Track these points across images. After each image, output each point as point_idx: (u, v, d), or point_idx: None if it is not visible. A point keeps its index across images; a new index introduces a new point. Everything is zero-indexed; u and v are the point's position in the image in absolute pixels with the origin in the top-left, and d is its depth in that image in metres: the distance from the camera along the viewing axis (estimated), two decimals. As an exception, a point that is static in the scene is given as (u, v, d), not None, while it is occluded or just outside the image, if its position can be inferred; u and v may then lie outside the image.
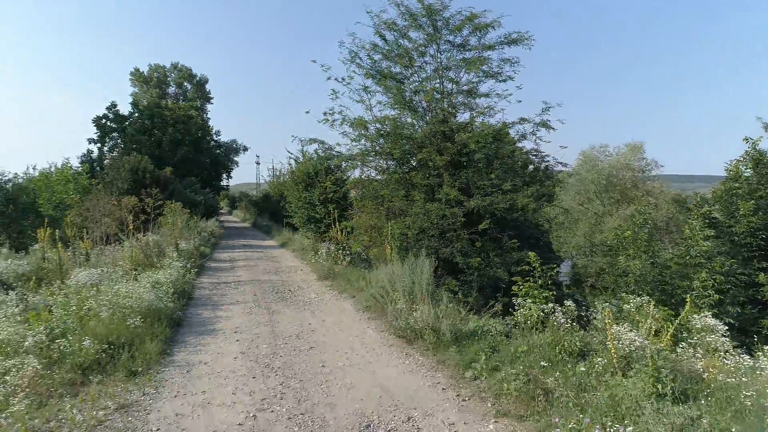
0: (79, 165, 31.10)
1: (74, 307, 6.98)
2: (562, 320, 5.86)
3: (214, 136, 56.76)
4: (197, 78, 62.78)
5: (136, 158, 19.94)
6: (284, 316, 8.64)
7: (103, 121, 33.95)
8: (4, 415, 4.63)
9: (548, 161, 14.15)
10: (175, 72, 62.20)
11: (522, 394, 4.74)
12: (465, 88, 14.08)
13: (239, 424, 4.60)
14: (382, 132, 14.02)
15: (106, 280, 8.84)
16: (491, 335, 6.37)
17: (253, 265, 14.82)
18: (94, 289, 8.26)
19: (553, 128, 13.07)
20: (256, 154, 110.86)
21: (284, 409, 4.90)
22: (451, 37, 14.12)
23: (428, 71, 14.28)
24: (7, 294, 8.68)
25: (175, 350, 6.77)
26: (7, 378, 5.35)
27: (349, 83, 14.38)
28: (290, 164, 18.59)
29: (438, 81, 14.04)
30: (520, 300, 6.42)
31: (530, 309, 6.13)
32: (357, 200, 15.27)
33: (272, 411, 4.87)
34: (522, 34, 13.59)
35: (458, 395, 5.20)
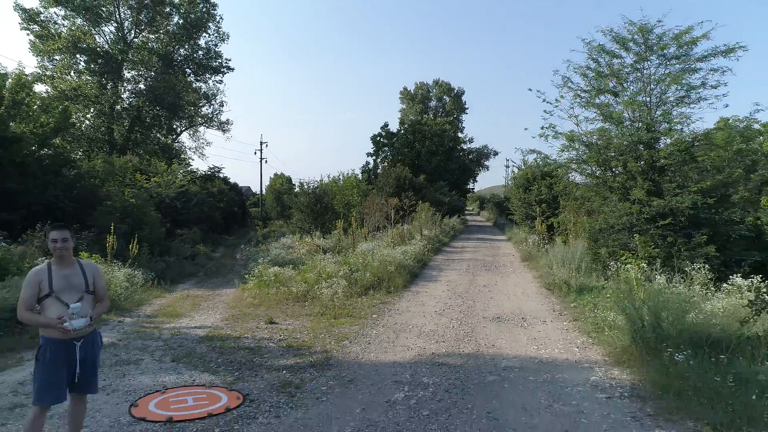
0: (360, 173, 40.81)
1: (360, 260, 12.56)
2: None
3: (468, 143, 63.76)
4: (455, 91, 70.46)
5: (399, 169, 26.51)
6: (482, 277, 12.97)
7: (378, 138, 42.85)
8: (335, 298, 10.12)
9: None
10: (436, 87, 70.88)
11: (587, 312, 8.17)
12: (672, 98, 16.09)
13: (435, 311, 9.18)
14: (587, 143, 17.01)
15: (377, 249, 14.47)
16: (603, 289, 9.59)
17: (477, 251, 19.39)
18: (371, 252, 13.90)
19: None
20: (506, 158, 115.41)
21: (458, 309, 9.32)
22: (663, 52, 16.27)
23: (635, 87, 16.70)
24: (325, 254, 15.02)
25: (411, 286, 11.78)
26: (332, 287, 10.96)
27: (557, 105, 17.74)
28: (513, 171, 22.43)
29: (643, 95, 16.39)
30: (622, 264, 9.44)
31: (628, 271, 9.17)
32: (563, 200, 18.42)
33: (451, 308, 9.35)
34: (731, 47, 14.91)
35: (559, 313, 8.84)
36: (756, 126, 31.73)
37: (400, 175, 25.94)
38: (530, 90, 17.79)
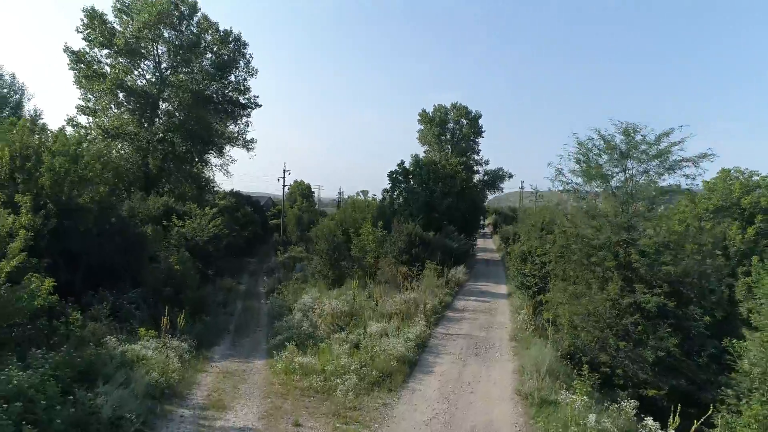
0: (377, 199, 44.04)
1: (369, 353, 15.23)
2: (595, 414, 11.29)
3: (484, 165, 67.12)
4: (472, 114, 72.94)
5: (411, 226, 29.27)
6: (470, 368, 15.58)
7: (394, 175, 45.65)
8: (347, 398, 12.82)
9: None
10: (454, 111, 73.39)
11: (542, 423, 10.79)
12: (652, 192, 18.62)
13: (423, 421, 11.82)
14: (575, 234, 19.50)
15: (384, 334, 17.13)
16: (560, 405, 12.12)
17: (474, 319, 21.91)
18: (378, 338, 16.57)
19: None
20: (521, 180, 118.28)
21: (442, 419, 11.95)
22: (643, 153, 18.80)
23: (621, 177, 19.30)
24: (342, 331, 17.76)
25: (409, 381, 14.46)
26: (345, 383, 13.63)
27: (549, 202, 20.35)
28: (513, 241, 24.89)
29: (626, 190, 18.95)
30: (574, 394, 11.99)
31: (575, 398, 11.71)
32: (553, 281, 20.88)
33: (437, 416, 11.99)
34: (703, 153, 17.48)
35: (521, 425, 11.41)
36: (755, 178, 33.98)
37: (411, 232, 28.63)
38: (528, 187, 20.29)
